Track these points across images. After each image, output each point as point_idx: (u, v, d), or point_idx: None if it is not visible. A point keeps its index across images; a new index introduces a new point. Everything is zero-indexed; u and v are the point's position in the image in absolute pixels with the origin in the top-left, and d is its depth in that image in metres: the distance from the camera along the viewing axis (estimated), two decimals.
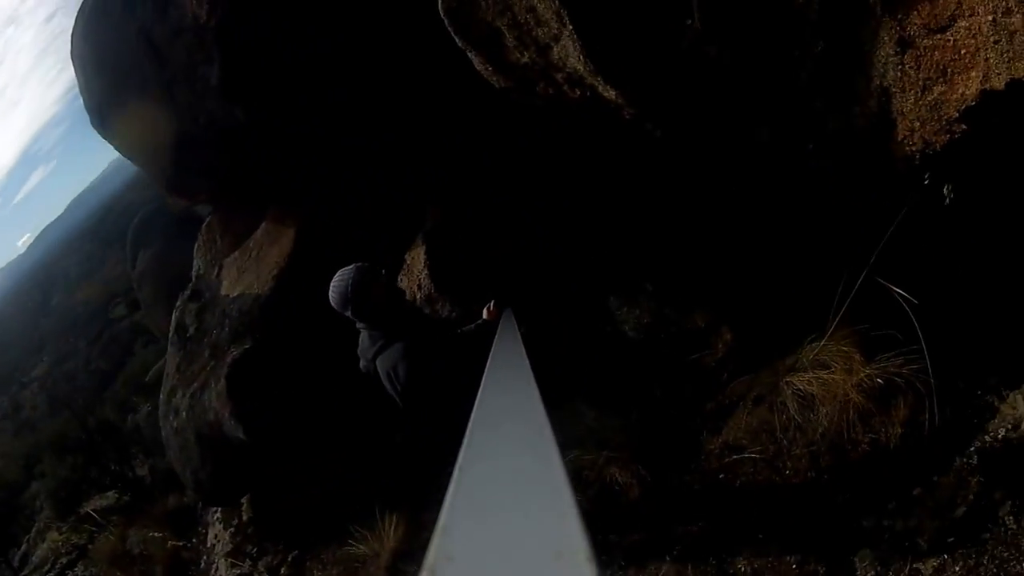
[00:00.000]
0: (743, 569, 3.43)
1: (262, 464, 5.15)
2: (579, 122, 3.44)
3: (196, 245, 6.97)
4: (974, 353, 3.47)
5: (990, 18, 2.12)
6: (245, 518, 6.09)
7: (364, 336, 3.18)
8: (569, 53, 2.80)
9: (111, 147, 6.58)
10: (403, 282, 4.70)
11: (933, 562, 2.96)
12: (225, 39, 4.14)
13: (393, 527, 4.65)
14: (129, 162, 7.53)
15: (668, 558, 3.69)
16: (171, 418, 5.53)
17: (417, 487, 5.12)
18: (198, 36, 4.39)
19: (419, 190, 4.99)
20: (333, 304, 3.05)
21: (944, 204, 2.81)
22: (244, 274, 5.89)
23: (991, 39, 2.16)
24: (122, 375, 12.82)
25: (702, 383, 4.31)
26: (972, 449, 3.24)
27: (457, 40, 3.13)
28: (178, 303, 6.53)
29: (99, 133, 6.29)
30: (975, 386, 3.43)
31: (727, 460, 3.95)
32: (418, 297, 4.57)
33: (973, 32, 2.21)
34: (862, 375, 3.59)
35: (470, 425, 0.76)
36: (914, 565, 3.01)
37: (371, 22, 4.16)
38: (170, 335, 6.46)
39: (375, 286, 3.04)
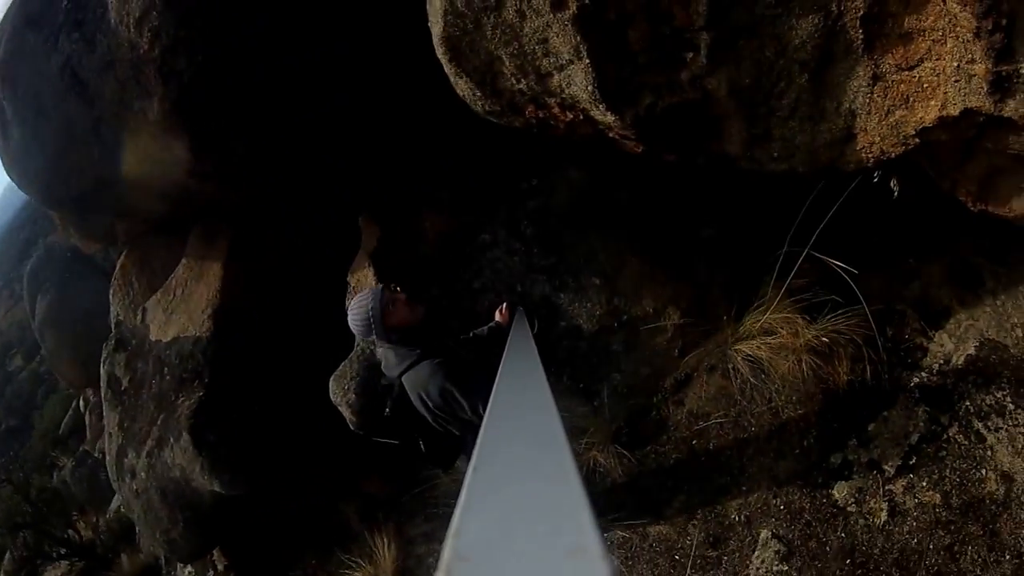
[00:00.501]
0: (735, 517, 3.79)
1: (240, 510, 5.06)
2: (564, 142, 3.57)
3: (111, 290, 6.60)
4: (904, 308, 3.92)
5: (955, 64, 2.45)
6: (221, 567, 5.95)
7: (389, 353, 3.18)
8: (574, 82, 2.91)
9: None
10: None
11: (902, 482, 3.40)
12: (169, 69, 3.84)
13: (386, 546, 4.73)
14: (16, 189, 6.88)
15: (661, 520, 3.97)
16: (128, 480, 5.31)
17: (398, 500, 5.22)
18: (135, 67, 4.00)
19: (356, 210, 4.95)
20: (356, 333, 3.12)
21: (892, 196, 3.15)
22: (173, 315, 5.65)
23: (952, 79, 2.49)
24: (35, 431, 12.03)
25: (658, 362, 4.57)
26: (913, 385, 3.67)
27: (448, 67, 3.11)
28: (104, 355, 6.18)
29: (15, 182, 5.71)
30: (907, 333, 3.85)
31: (696, 428, 4.28)
32: None
33: (937, 72, 2.54)
34: (808, 336, 3.97)
35: (483, 426, 0.76)
36: (886, 488, 3.43)
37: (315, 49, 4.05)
38: (103, 390, 6.14)
39: (396, 306, 3.06)
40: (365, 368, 4.33)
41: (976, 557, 3.02)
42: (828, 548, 3.40)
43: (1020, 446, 3.21)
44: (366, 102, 4.49)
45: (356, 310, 3.03)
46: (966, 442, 3.39)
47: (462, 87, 3.25)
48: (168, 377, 5.39)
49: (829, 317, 3.98)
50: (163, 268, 6.27)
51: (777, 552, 3.51)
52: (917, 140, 2.78)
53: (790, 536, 3.55)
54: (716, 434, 4.19)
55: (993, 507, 3.13)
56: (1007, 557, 2.97)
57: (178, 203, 4.79)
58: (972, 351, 3.63)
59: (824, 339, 3.97)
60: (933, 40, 2.49)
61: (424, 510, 4.92)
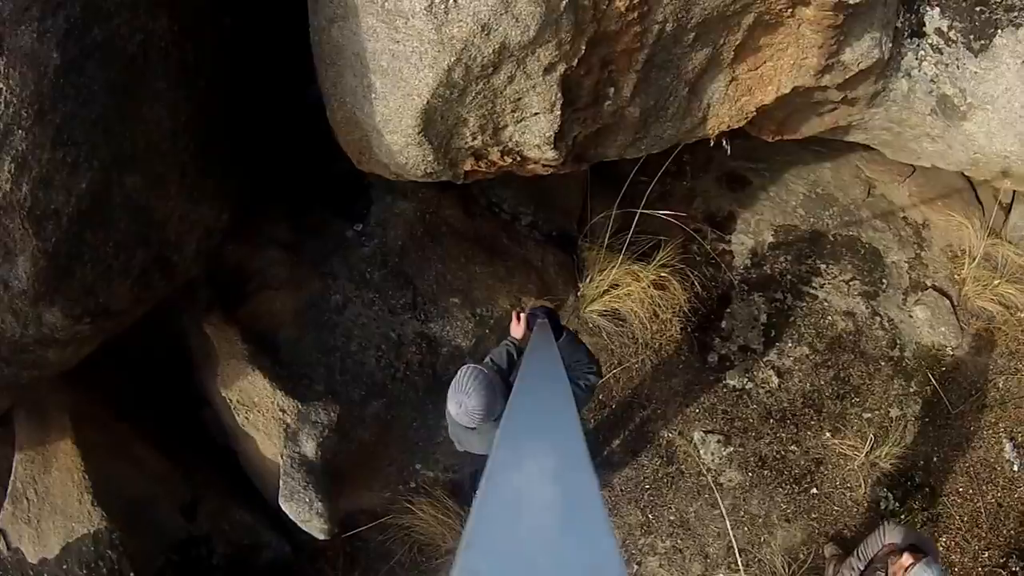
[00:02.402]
0: (668, 435, 4.58)
1: None
2: None
3: None
4: (698, 226, 5.05)
5: (792, 61, 3.34)
6: None
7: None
8: (530, 131, 3.12)
9: None
10: None
11: (773, 351, 4.63)
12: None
13: None
14: None
15: (613, 467, 4.57)
16: None
17: None
18: None
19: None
20: (471, 423, 2.71)
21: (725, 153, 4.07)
22: (43, 524, 4.18)
23: (788, 71, 3.40)
24: None
25: None
26: (739, 282, 4.85)
27: (405, 138, 3.01)
28: None
29: None
30: (711, 245, 5.00)
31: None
32: None
33: (776, 68, 3.43)
34: (647, 277, 4.78)
35: (498, 437, 0.75)
36: (764, 360, 4.58)
37: None
38: None
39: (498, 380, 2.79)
40: None
41: (859, 372, 4.39)
42: (751, 419, 4.48)
43: (845, 290, 4.64)
44: None
45: (473, 402, 2.62)
46: (803, 303, 4.74)
47: (408, 155, 3.19)
48: None
49: (657, 256, 4.80)
50: None
51: (718, 441, 4.47)
52: (754, 113, 3.73)
53: (718, 427, 4.53)
54: (614, 384, 4.89)
55: (851, 337, 4.55)
56: (881, 365, 4.38)
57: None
58: (771, 239, 4.97)
59: (660, 275, 4.84)
60: (777, 50, 3.38)
61: None
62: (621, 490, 4.56)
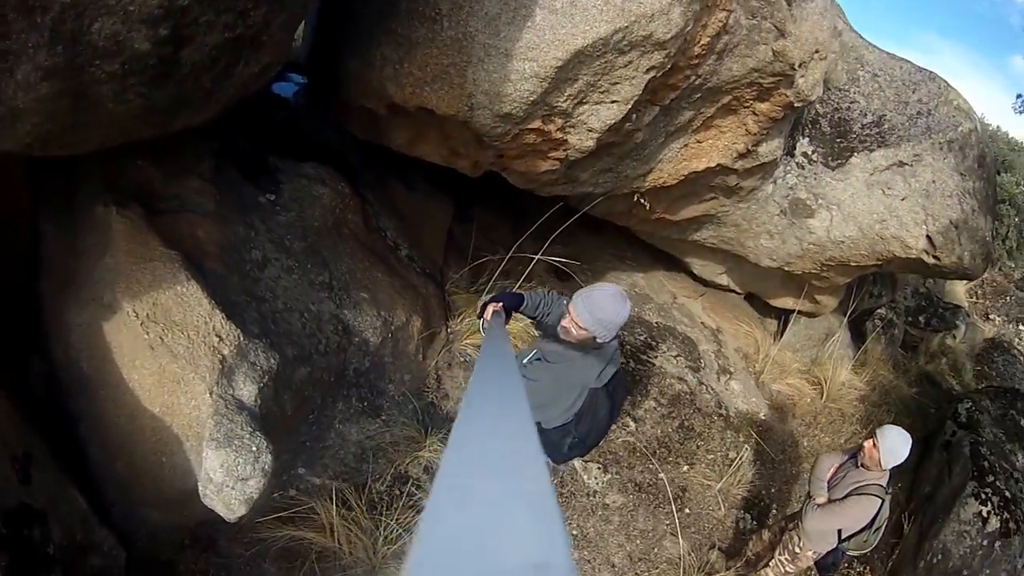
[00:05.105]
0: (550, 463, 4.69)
1: None
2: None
3: None
4: None
5: (727, 144, 4.52)
6: None
7: (589, 355, 3.02)
8: (599, 114, 3.70)
9: None
10: None
11: (628, 403, 5.26)
12: None
13: None
14: None
15: None
16: None
17: None
18: None
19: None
20: (592, 329, 2.82)
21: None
22: None
23: (720, 150, 4.56)
24: None
25: (413, 367, 4.90)
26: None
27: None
28: None
29: None
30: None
31: None
32: None
33: (715, 146, 4.56)
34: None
35: (452, 431, 0.73)
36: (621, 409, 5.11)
37: None
38: None
39: None
40: None
41: (699, 423, 5.16)
42: (620, 453, 5.01)
43: (674, 363, 5.56)
44: None
45: (620, 305, 2.81)
46: (644, 367, 5.54)
47: (521, 87, 3.39)
48: None
49: None
50: None
51: (599, 468, 4.83)
52: (683, 176, 4.67)
53: (594, 457, 4.87)
54: None
55: (688, 396, 5.41)
56: (715, 419, 5.20)
57: None
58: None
59: None
60: (723, 131, 4.50)
61: None
62: None
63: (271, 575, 3.53)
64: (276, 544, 3.53)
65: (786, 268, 5.53)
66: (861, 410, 6.53)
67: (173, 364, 3.07)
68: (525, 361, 3.20)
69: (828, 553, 3.86)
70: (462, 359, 5.07)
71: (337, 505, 3.70)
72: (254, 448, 3.00)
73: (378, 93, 3.80)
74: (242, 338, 3.27)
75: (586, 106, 3.64)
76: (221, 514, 2.94)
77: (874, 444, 3.64)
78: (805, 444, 5.89)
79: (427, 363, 5.00)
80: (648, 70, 3.52)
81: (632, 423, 5.16)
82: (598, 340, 2.85)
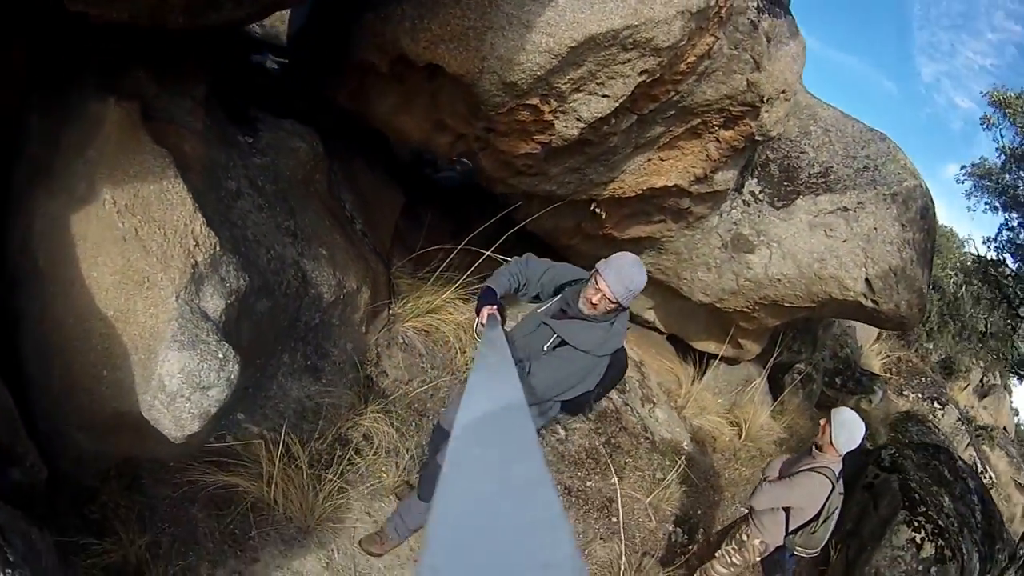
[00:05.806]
0: None
1: None
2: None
3: None
4: None
5: (686, 166, 4.83)
6: None
7: (593, 327, 3.03)
8: (590, 106, 3.98)
9: None
10: None
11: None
12: None
13: None
14: None
15: None
16: None
17: None
18: None
19: None
20: (623, 298, 2.91)
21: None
22: None
23: (678, 170, 4.88)
24: None
25: (355, 337, 4.88)
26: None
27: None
28: None
29: None
30: None
31: (411, 391, 4.84)
32: None
33: (675, 166, 4.88)
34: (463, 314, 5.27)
35: (454, 433, 0.75)
36: None
37: None
38: None
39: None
40: None
41: (626, 441, 5.31)
42: (549, 458, 4.97)
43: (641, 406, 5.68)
44: None
45: (636, 271, 2.90)
46: (633, 417, 5.62)
47: (533, 60, 3.62)
48: None
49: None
50: None
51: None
52: (641, 191, 4.95)
53: None
54: (427, 400, 4.87)
55: (614, 415, 5.62)
56: (641, 440, 5.36)
57: None
58: None
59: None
60: (685, 153, 4.84)
61: None
62: None
63: (199, 520, 3.31)
64: (206, 489, 3.35)
65: (718, 305, 5.80)
66: (779, 451, 6.79)
67: (143, 260, 2.93)
68: (545, 348, 3.13)
69: (775, 551, 3.92)
70: (402, 341, 5.07)
71: (280, 457, 3.54)
72: (220, 355, 2.87)
73: (390, 46, 3.92)
74: (218, 248, 3.19)
75: (581, 94, 3.86)
76: (166, 431, 2.76)
77: (827, 421, 3.76)
78: (726, 475, 6.05)
79: (368, 337, 4.96)
80: (641, 72, 3.80)
81: (562, 431, 5.23)
82: (623, 305, 2.95)
